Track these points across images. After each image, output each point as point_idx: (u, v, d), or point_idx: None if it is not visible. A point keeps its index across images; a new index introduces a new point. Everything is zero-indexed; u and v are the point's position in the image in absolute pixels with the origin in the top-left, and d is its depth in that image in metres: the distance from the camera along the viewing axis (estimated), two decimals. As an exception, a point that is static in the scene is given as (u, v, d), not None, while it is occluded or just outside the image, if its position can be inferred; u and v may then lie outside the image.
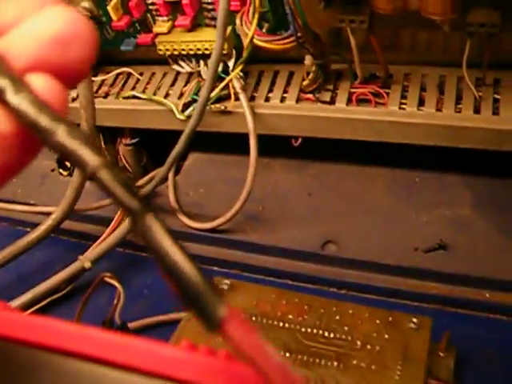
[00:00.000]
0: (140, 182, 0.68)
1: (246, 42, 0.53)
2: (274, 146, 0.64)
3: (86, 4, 0.54)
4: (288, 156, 0.67)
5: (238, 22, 0.54)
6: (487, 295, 0.55)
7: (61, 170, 0.77)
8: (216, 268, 0.62)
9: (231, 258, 0.62)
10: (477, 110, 0.55)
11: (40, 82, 0.20)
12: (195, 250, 0.63)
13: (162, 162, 0.68)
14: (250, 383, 0.20)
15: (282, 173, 0.67)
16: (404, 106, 0.57)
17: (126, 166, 0.72)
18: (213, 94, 0.58)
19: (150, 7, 0.61)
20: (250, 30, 0.52)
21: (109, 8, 0.60)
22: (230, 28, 0.56)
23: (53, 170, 0.77)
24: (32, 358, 0.22)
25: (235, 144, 0.62)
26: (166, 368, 0.21)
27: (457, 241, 0.58)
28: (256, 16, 0.50)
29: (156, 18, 0.61)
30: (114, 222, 0.64)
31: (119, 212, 0.64)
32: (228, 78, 0.57)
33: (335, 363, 0.45)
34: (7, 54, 0.20)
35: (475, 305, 0.55)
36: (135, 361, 0.21)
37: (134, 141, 0.71)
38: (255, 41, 0.53)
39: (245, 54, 0.55)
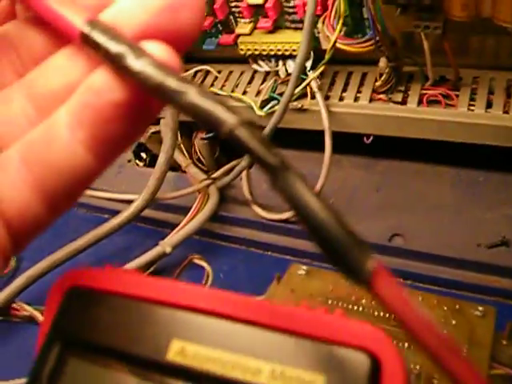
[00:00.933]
0: (216, 174, 0.71)
1: (328, 44, 0.57)
2: (345, 143, 0.67)
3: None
4: (357, 153, 0.70)
5: (319, 25, 0.58)
6: None
7: (137, 161, 0.81)
8: (288, 257, 0.65)
9: (302, 247, 0.65)
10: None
11: (155, 48, 0.20)
12: (268, 239, 0.67)
13: (233, 155, 0.72)
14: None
15: (351, 169, 0.70)
16: (472, 108, 0.60)
17: (201, 158, 0.76)
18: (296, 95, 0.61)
19: (234, 9, 0.65)
20: (332, 34, 0.55)
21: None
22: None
23: (129, 161, 0.81)
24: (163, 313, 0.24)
25: (309, 141, 0.66)
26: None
27: None
28: (340, 21, 0.54)
29: (238, 19, 0.65)
30: (192, 210, 0.67)
31: (197, 200, 0.68)
32: (310, 78, 0.61)
33: (406, 344, 0.48)
34: (116, 25, 0.21)
35: None
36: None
37: (209, 135, 0.75)
38: (337, 44, 0.56)
39: (327, 56, 0.58)
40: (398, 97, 0.63)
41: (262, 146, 0.19)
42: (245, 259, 0.67)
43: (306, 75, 0.63)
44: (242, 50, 0.64)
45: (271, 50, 0.62)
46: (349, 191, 0.68)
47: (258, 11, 0.63)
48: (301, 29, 0.59)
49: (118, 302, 0.25)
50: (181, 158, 0.75)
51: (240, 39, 0.65)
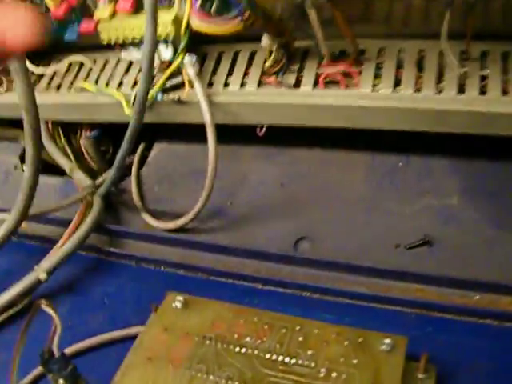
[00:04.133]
0: (100, 180, 0.63)
1: (182, 26, 0.47)
2: (242, 132, 0.58)
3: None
4: (258, 143, 0.61)
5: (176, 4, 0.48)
6: (476, 298, 0.50)
7: (24, 166, 0.72)
8: (182, 271, 0.57)
9: (195, 260, 0.57)
10: (461, 90, 0.49)
11: None
12: (160, 252, 0.59)
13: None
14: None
15: (252, 162, 0.62)
16: (377, 88, 0.51)
17: (88, 159, 0.67)
18: (158, 86, 0.52)
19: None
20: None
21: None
22: (174, 10, 0.50)
23: (16, 167, 0.73)
24: None
25: (200, 132, 0.57)
26: None
27: (443, 236, 0.53)
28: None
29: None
30: (72, 225, 0.59)
31: (78, 213, 0.60)
32: (171, 68, 0.52)
33: (292, 389, 0.40)
34: None
35: (462, 309, 0.49)
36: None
37: (94, 133, 0.65)
38: (194, 26, 0.47)
39: (182, 41, 0.49)
40: (291, 79, 0.53)
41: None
42: (134, 277, 0.58)
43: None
44: (103, 39, 0.55)
45: (134, 36, 0.52)
46: (250, 188, 0.60)
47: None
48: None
49: None
50: (65, 163, 0.65)
51: (100, 26, 0.55)
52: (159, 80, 0.54)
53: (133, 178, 0.63)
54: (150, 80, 0.51)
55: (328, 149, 0.60)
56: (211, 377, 0.42)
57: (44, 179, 0.62)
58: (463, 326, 0.49)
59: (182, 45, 0.52)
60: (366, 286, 0.52)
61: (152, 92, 0.54)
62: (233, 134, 0.58)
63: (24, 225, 0.60)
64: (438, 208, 0.55)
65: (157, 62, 0.55)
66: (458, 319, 0.49)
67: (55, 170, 0.68)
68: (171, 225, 0.58)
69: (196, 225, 0.58)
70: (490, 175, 0.55)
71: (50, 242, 0.62)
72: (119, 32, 0.54)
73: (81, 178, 0.64)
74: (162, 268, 0.58)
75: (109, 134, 0.68)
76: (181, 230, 0.58)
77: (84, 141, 0.67)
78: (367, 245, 0.54)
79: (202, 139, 0.56)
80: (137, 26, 0.53)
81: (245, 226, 0.58)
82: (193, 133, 0.63)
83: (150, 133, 0.66)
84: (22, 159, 0.72)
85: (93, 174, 0.66)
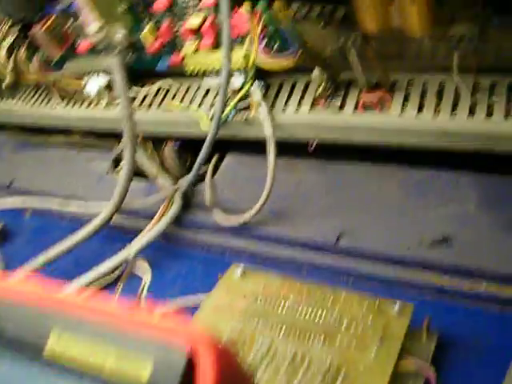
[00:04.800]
0: (179, 183, 0.76)
1: (250, 61, 0.61)
2: (297, 149, 0.71)
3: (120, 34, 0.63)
4: (310, 157, 0.74)
5: (246, 43, 0.62)
6: (484, 286, 0.58)
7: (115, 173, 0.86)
8: (243, 259, 0.69)
9: (253, 248, 0.69)
10: (471, 113, 0.60)
11: None
12: (224, 242, 0.72)
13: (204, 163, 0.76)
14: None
15: (304, 173, 0.74)
16: (404, 111, 0.63)
17: (171, 167, 0.81)
18: (231, 106, 0.66)
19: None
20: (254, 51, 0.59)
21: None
22: (245, 48, 0.64)
23: (107, 173, 0.87)
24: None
25: (265, 147, 0.69)
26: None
27: (460, 235, 0.61)
28: (255, 39, 0.58)
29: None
30: (156, 217, 0.72)
31: (161, 208, 0.73)
32: (242, 92, 0.65)
33: (321, 340, 0.52)
34: None
35: (471, 295, 0.59)
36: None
37: (176, 144, 0.79)
38: (259, 60, 0.60)
39: (249, 73, 0.62)
40: (337, 103, 0.66)
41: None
42: (202, 262, 0.71)
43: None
44: (188, 69, 0.69)
45: (213, 67, 0.66)
46: (301, 194, 0.72)
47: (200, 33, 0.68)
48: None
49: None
50: (150, 170, 0.79)
51: (186, 59, 0.69)
52: (232, 101, 0.67)
53: (207, 182, 0.76)
54: (225, 101, 0.64)
55: (367, 164, 0.72)
56: (259, 325, 0.55)
57: (133, 183, 0.75)
58: (470, 309, 0.58)
59: (250, 74, 0.64)
60: (389, 272, 0.62)
61: (226, 111, 0.67)
62: (289, 151, 0.69)
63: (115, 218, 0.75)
64: (458, 214, 0.63)
65: (230, 89, 0.68)
66: (467, 304, 0.58)
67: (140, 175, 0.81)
68: (235, 221, 0.70)
69: (257, 222, 0.70)
70: (503, 187, 0.64)
71: (134, 233, 0.75)
72: (202, 64, 0.68)
73: (164, 181, 0.78)
74: (227, 255, 0.71)
75: (188, 147, 0.82)
76: (243, 225, 0.70)
77: (168, 151, 0.81)
78: (395, 241, 0.63)
79: (265, 153, 0.69)
80: (215, 59, 0.66)
81: (297, 223, 0.68)
82: (257, 148, 0.76)
83: (222, 148, 0.79)
84: (113, 166, 0.87)
85: (174, 180, 0.79)
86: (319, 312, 0.55)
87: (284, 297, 0.57)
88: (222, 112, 0.64)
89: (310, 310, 0.55)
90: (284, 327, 0.54)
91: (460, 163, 0.67)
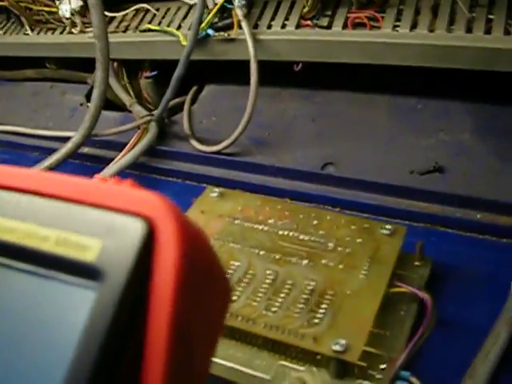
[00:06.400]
0: (155, 112, 0.71)
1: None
2: (283, 76, 0.66)
3: None
4: (296, 85, 0.69)
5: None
6: (478, 216, 0.55)
7: (88, 104, 0.81)
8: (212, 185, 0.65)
9: (236, 177, 0.65)
10: (469, 30, 0.57)
11: None
12: (204, 171, 0.67)
13: (182, 93, 0.72)
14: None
15: (289, 101, 0.70)
16: (397, 29, 0.59)
17: (148, 98, 0.76)
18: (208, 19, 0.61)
19: None
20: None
21: None
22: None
23: (81, 104, 0.82)
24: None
25: (248, 75, 0.65)
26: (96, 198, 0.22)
27: (453, 164, 0.58)
28: None
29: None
30: (129, 145, 0.68)
31: (135, 135, 0.69)
32: (219, 3, 0.60)
33: (305, 261, 0.48)
34: None
35: (465, 224, 0.56)
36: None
37: (153, 73, 0.75)
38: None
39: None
40: (324, 22, 0.62)
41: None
42: (180, 191, 0.67)
43: (232, 4, 0.62)
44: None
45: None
46: (286, 122, 0.68)
47: None
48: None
49: None
50: (125, 98, 0.75)
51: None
52: (208, 16, 0.63)
53: (185, 112, 0.72)
54: (203, 11, 0.60)
55: (355, 90, 0.68)
56: (237, 246, 0.50)
57: (105, 113, 0.71)
58: (464, 238, 0.55)
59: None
60: (379, 201, 0.59)
61: (203, 24, 0.63)
62: (272, 77, 0.65)
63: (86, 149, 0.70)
64: (450, 142, 0.60)
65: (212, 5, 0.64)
66: (461, 233, 0.55)
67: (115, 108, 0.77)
68: (214, 148, 0.66)
69: (237, 149, 0.66)
70: (499, 115, 0.61)
71: (105, 162, 0.70)
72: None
73: (140, 110, 0.73)
74: (205, 185, 0.67)
75: (164, 79, 0.77)
76: (223, 152, 0.66)
77: (143, 80, 0.76)
78: (385, 170, 0.59)
79: (247, 81, 0.64)
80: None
81: (279, 151, 0.64)
82: (238, 77, 0.72)
83: (201, 77, 0.75)
84: (88, 98, 0.82)
85: (150, 111, 0.75)
86: (302, 233, 0.50)
87: (264, 218, 0.52)
88: (200, 20, 0.59)
89: (292, 231, 0.51)
90: (263, 249, 0.50)
91: (450, 91, 0.63)
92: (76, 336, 0.20)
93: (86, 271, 0.21)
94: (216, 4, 0.63)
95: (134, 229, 0.21)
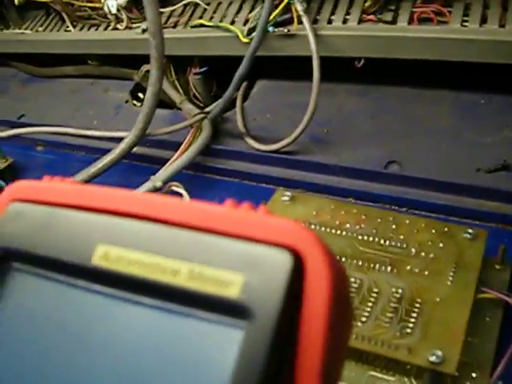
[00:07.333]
0: (209, 108, 0.70)
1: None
2: (338, 71, 0.65)
3: None
4: (352, 81, 0.68)
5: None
6: None
7: (134, 102, 0.80)
8: (282, 187, 0.63)
9: (296, 177, 0.63)
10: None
11: None
12: (261, 170, 0.65)
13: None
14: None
15: (346, 97, 0.68)
16: (466, 24, 0.57)
17: (197, 94, 0.75)
18: (271, 17, 0.59)
19: None
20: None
21: None
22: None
23: (126, 102, 0.80)
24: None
25: (300, 70, 0.63)
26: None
27: None
28: None
29: None
30: (184, 144, 0.66)
31: (189, 135, 0.67)
32: (283, 3, 0.59)
33: (389, 268, 0.46)
34: None
35: None
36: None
37: (203, 69, 0.73)
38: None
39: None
40: (388, 16, 0.60)
41: None
42: (237, 191, 0.65)
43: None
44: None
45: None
46: (344, 119, 0.66)
47: None
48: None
49: (49, 211, 0.23)
50: (175, 95, 0.73)
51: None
52: (273, 13, 0.61)
53: (238, 109, 0.70)
54: (272, 8, 0.58)
55: (413, 86, 0.66)
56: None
57: (156, 111, 0.67)
58: None
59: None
60: (446, 200, 0.57)
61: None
62: (330, 73, 0.63)
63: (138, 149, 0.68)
64: None
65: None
66: None
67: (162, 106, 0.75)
68: (273, 146, 0.64)
69: (296, 147, 0.64)
70: None
71: (158, 163, 0.68)
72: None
73: (191, 108, 0.71)
74: (264, 185, 0.65)
75: (212, 75, 0.76)
76: (281, 151, 0.64)
77: (192, 77, 0.74)
78: (450, 168, 0.58)
79: (300, 77, 0.63)
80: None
81: (340, 149, 0.63)
82: (292, 72, 0.70)
83: (252, 73, 0.73)
84: (133, 95, 0.80)
85: (199, 108, 0.73)
86: (383, 238, 0.49)
87: (341, 222, 0.51)
88: (268, 18, 0.58)
89: (371, 236, 0.49)
90: (344, 255, 0.48)
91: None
92: (225, 378, 0.19)
93: (228, 308, 0.20)
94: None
95: (281, 261, 0.20)
